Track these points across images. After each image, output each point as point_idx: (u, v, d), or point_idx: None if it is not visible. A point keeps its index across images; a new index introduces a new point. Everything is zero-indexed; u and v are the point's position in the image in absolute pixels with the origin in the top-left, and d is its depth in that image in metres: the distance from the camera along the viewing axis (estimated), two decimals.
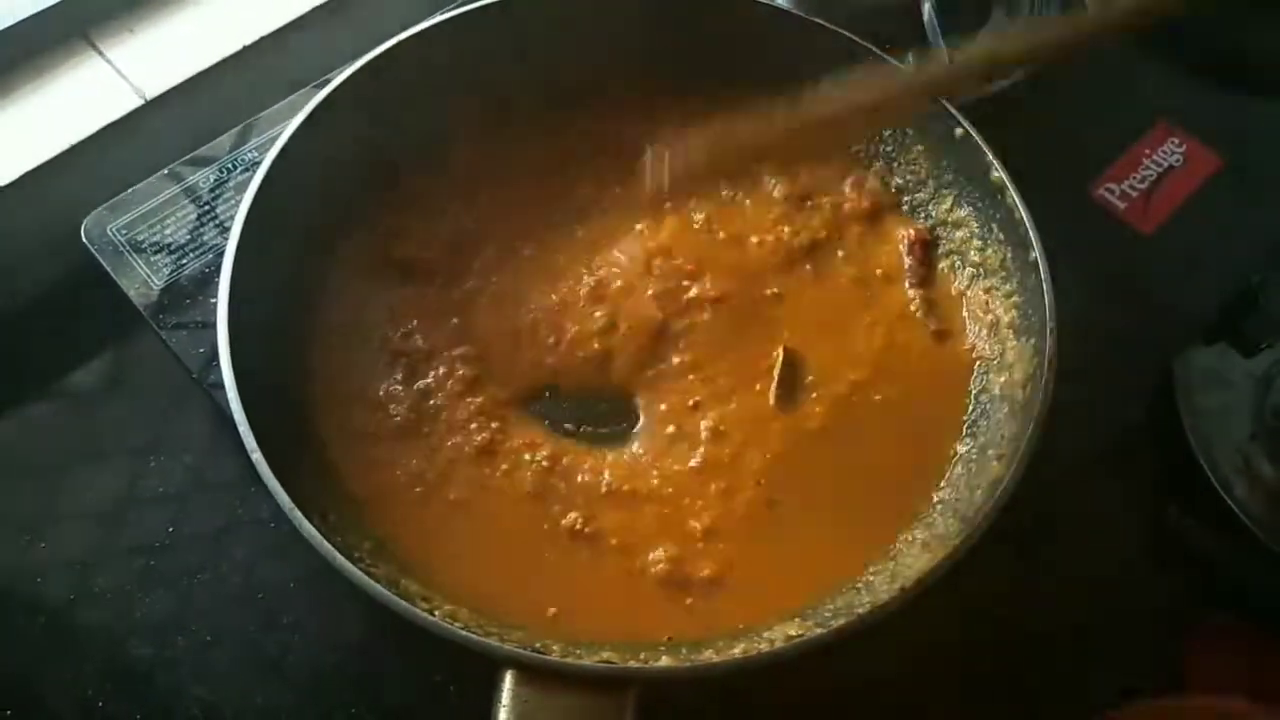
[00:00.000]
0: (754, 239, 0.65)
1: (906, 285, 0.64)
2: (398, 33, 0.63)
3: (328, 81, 0.61)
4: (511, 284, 0.62)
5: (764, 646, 0.48)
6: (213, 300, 0.53)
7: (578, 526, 0.55)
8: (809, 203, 0.67)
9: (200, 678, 0.55)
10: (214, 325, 0.51)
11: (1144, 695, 0.56)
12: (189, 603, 0.57)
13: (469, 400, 0.58)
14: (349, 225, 0.62)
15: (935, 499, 0.56)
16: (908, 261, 0.65)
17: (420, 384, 0.58)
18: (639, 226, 0.65)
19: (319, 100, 0.59)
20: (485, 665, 0.46)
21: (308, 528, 0.45)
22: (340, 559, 0.45)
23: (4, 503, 0.60)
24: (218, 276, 0.53)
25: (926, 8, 0.70)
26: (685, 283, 0.63)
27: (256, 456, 0.47)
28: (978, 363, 0.61)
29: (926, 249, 0.65)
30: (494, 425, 0.58)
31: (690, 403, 0.59)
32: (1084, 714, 0.55)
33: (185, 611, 0.57)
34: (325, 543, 0.45)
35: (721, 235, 0.65)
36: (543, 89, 0.68)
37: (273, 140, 0.58)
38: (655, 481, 0.56)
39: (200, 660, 0.55)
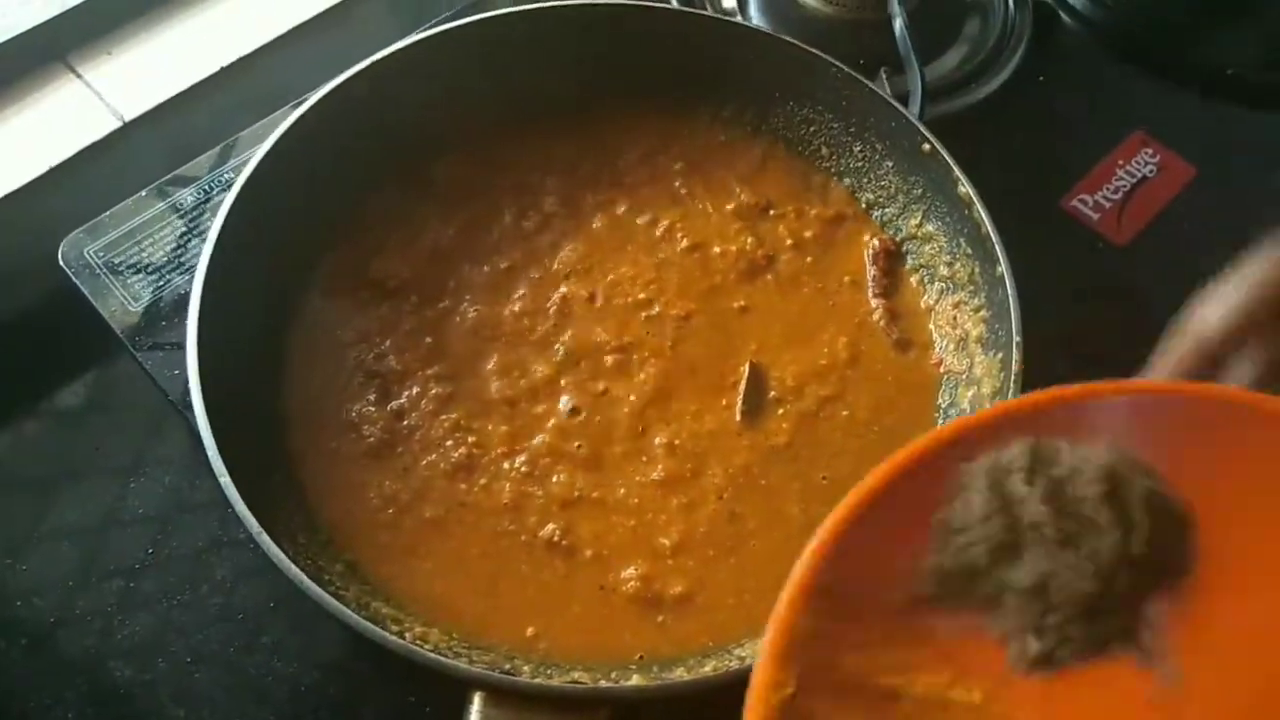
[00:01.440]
0: (716, 248, 0.65)
1: (871, 296, 0.64)
2: (374, 52, 0.63)
3: (305, 100, 0.61)
4: (485, 302, 0.63)
5: (734, 664, 0.48)
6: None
7: (555, 538, 0.55)
8: (773, 212, 0.67)
9: (180, 699, 0.55)
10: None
11: None
12: (169, 624, 0.57)
13: (443, 418, 0.58)
14: (324, 244, 0.63)
15: None
16: (872, 272, 0.65)
17: (394, 404, 0.58)
18: (597, 227, 0.66)
19: (294, 119, 0.59)
20: (458, 686, 0.46)
21: (275, 551, 0.46)
22: (309, 583, 0.45)
23: None
24: None
25: (898, 24, 0.71)
26: (642, 295, 0.63)
27: (225, 481, 0.47)
28: (946, 377, 0.61)
29: (891, 259, 0.66)
30: (471, 440, 0.58)
31: (639, 428, 0.59)
32: None
33: (166, 633, 0.57)
34: (293, 566, 0.45)
35: (684, 243, 0.65)
36: (521, 107, 0.68)
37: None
38: (621, 491, 0.57)
39: (181, 682, 0.55)
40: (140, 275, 0.65)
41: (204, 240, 0.65)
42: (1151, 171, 0.76)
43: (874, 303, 0.64)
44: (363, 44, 0.68)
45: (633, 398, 0.60)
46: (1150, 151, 0.77)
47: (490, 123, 0.68)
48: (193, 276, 0.64)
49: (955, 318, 0.62)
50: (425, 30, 0.65)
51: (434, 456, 0.57)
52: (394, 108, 0.64)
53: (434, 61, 0.65)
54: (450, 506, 0.56)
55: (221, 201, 0.56)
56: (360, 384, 0.58)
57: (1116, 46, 0.84)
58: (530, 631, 0.52)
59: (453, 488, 0.56)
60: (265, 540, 0.46)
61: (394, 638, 0.45)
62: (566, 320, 0.62)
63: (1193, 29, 0.86)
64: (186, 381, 0.60)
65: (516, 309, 0.62)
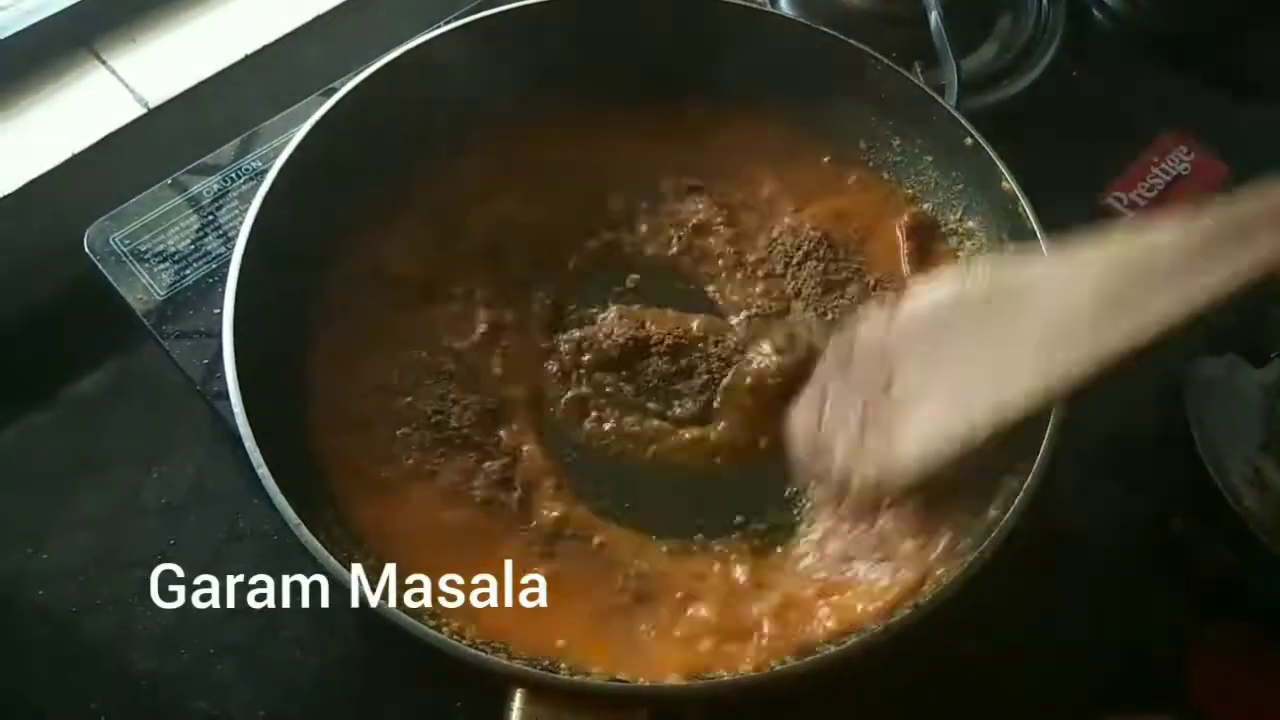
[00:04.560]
0: (745, 238, 0.65)
1: (906, 271, 0.63)
2: (401, 42, 0.62)
3: (333, 90, 0.60)
4: (519, 296, 0.62)
5: (775, 664, 0.47)
6: (215, 310, 0.53)
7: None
8: (805, 207, 0.66)
9: (203, 691, 0.55)
10: (216, 335, 0.51)
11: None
12: (191, 615, 0.56)
13: (479, 423, 0.57)
14: (354, 238, 0.62)
15: (946, 513, 0.56)
16: (905, 247, 0.64)
17: (430, 402, 0.57)
18: (626, 211, 0.66)
19: (325, 109, 0.59)
20: (493, 683, 0.45)
21: (315, 545, 0.45)
22: (346, 575, 0.45)
23: (6, 513, 0.60)
24: (220, 286, 0.53)
25: (933, 16, 0.70)
26: (680, 286, 0.63)
27: (263, 472, 0.46)
28: None
29: (923, 232, 0.65)
30: (519, 447, 0.57)
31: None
32: None
33: (188, 624, 0.56)
34: (331, 559, 0.45)
35: (722, 231, 0.65)
36: (553, 98, 0.67)
37: (277, 149, 0.58)
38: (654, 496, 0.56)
39: (203, 673, 0.55)
40: (165, 263, 0.65)
41: (229, 229, 0.65)
42: (1185, 170, 0.75)
43: (910, 278, 0.63)
44: (388, 33, 0.68)
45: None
46: (1185, 150, 0.76)
47: (518, 117, 0.67)
48: (218, 264, 0.64)
49: None
50: (453, 21, 0.64)
51: (468, 463, 0.56)
52: (426, 96, 0.64)
53: (465, 51, 0.64)
54: (485, 513, 0.54)
55: (248, 190, 0.56)
56: (396, 381, 0.57)
57: (1149, 45, 0.83)
58: (560, 644, 0.50)
59: (490, 493, 0.55)
60: (303, 533, 0.45)
61: (437, 633, 0.44)
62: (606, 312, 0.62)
63: (1226, 28, 0.85)
64: (211, 369, 0.61)
65: (553, 303, 0.62)
